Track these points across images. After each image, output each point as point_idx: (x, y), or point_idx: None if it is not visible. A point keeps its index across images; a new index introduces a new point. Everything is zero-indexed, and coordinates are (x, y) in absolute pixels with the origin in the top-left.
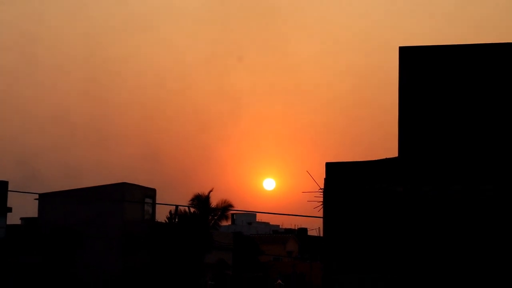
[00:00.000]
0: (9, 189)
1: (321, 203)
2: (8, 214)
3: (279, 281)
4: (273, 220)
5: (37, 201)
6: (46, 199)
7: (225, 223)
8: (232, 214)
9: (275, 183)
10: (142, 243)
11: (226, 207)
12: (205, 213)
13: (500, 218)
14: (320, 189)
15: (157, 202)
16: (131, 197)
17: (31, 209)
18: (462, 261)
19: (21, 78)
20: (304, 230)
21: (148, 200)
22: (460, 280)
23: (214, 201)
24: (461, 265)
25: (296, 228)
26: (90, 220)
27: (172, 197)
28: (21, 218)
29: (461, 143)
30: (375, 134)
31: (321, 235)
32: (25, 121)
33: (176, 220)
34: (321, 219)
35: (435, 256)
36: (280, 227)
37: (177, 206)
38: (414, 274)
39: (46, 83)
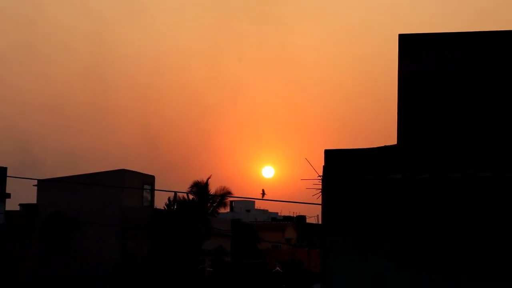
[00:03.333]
0: (8, 175)
1: (320, 190)
2: (7, 200)
3: (278, 268)
4: (272, 208)
5: (36, 187)
6: (45, 185)
7: (224, 210)
8: (231, 201)
9: (274, 170)
10: (140, 229)
11: (224, 194)
12: (203, 200)
13: (499, 207)
14: (319, 176)
15: (156, 188)
16: (130, 184)
17: (30, 195)
18: (460, 251)
19: (19, 64)
20: (303, 217)
21: (147, 186)
22: (458, 273)
23: (212, 188)
24: (459, 256)
25: (295, 216)
26: (88, 206)
27: (171, 184)
28: (20, 204)
29: (461, 132)
30: (375, 122)
31: (320, 222)
32: (24, 107)
33: (175, 207)
34: (320, 206)
35: (433, 245)
36: (279, 214)
37: (175, 192)
38: (413, 263)
39: (45, 69)
